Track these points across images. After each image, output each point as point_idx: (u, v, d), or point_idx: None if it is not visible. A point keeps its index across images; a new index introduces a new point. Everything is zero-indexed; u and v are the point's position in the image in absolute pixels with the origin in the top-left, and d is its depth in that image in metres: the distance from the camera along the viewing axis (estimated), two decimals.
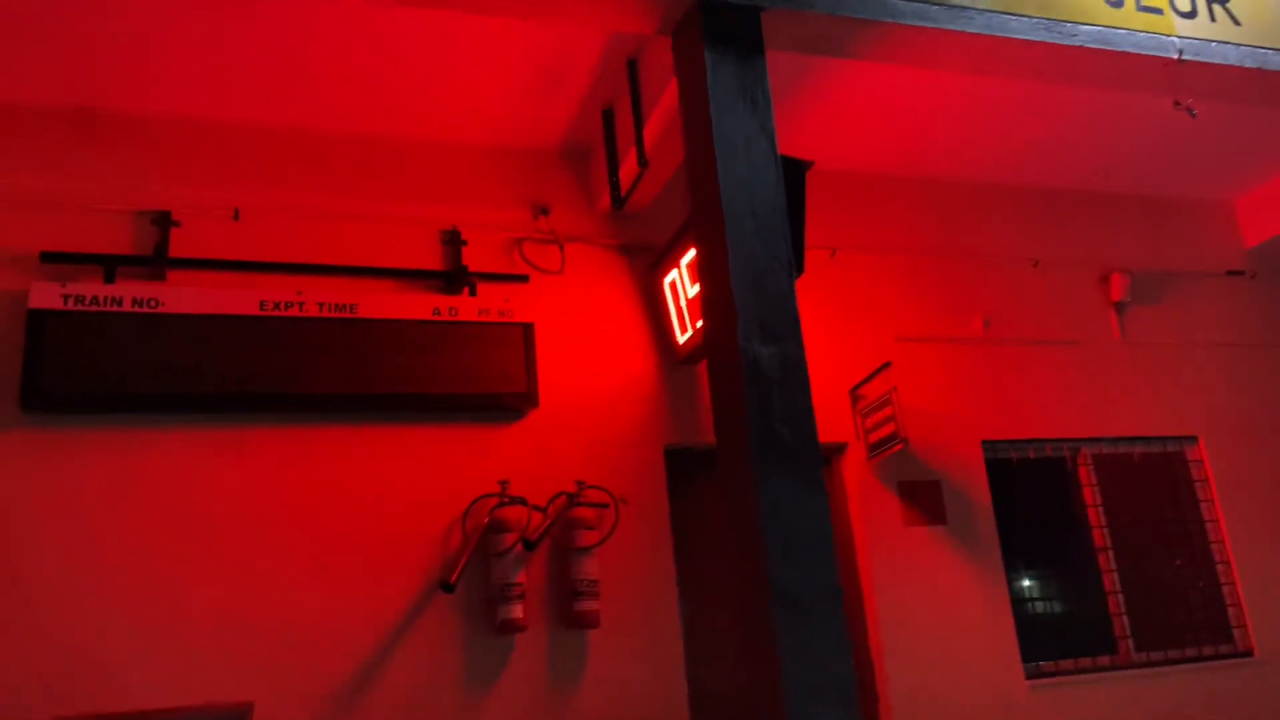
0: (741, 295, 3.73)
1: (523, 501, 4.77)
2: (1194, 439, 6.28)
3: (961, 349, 5.92)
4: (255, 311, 4.64)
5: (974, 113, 5.66)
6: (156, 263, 4.61)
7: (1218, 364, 6.47)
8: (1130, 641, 5.76)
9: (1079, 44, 4.52)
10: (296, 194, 4.99)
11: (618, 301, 5.37)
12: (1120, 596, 5.83)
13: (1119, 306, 6.38)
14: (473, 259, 5.12)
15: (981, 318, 6.02)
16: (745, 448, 3.56)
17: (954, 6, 4.33)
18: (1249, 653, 5.92)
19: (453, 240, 5.15)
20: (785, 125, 4.61)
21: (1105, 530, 5.95)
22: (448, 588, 4.44)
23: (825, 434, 5.30)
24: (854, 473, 5.47)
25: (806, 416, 3.63)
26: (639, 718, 4.70)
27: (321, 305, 4.74)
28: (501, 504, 4.74)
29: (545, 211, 5.34)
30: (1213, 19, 4.83)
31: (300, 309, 4.71)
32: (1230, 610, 6.02)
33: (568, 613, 4.70)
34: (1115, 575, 5.87)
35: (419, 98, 4.98)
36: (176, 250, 4.67)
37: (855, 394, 5.54)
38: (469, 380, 4.85)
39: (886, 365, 5.28)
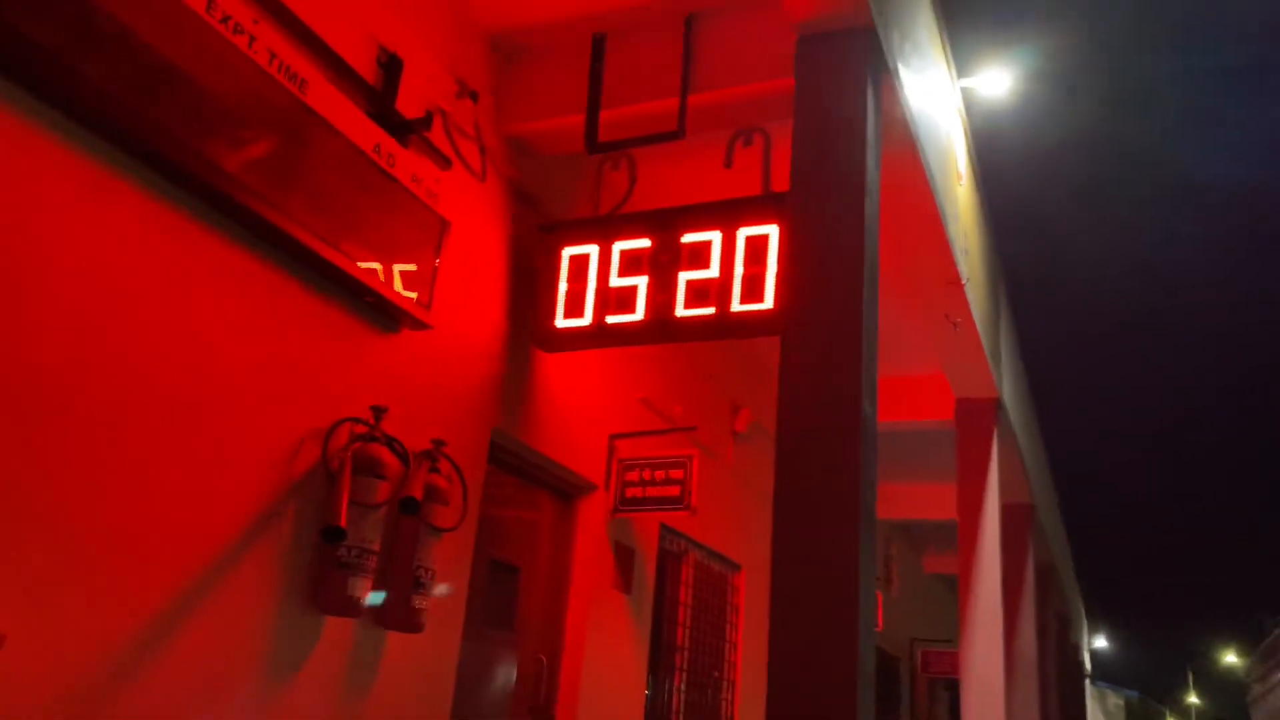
0: (867, 352, 3.55)
1: (396, 445, 3.50)
2: (739, 567, 7.18)
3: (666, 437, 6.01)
4: (202, 12, 2.78)
5: None
6: None
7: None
8: None
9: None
10: None
11: (497, 245, 4.37)
12: (682, 694, 6.27)
13: (737, 436, 7.12)
14: (403, 107, 3.77)
15: (680, 406, 6.21)
16: (851, 515, 3.32)
17: None
18: None
19: (391, 67, 3.74)
20: None
21: (687, 630, 6.39)
22: (336, 535, 3.01)
23: (582, 467, 4.95)
24: (589, 519, 5.11)
25: (874, 485, 3.54)
26: None
27: (273, 58, 3.04)
28: (371, 438, 3.41)
29: (474, 97, 4.18)
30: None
31: (250, 45, 2.95)
32: None
33: (397, 605, 3.50)
34: (684, 674, 6.31)
35: None
36: None
37: (614, 441, 5.24)
38: (378, 258, 3.48)
39: (692, 428, 5.16)
